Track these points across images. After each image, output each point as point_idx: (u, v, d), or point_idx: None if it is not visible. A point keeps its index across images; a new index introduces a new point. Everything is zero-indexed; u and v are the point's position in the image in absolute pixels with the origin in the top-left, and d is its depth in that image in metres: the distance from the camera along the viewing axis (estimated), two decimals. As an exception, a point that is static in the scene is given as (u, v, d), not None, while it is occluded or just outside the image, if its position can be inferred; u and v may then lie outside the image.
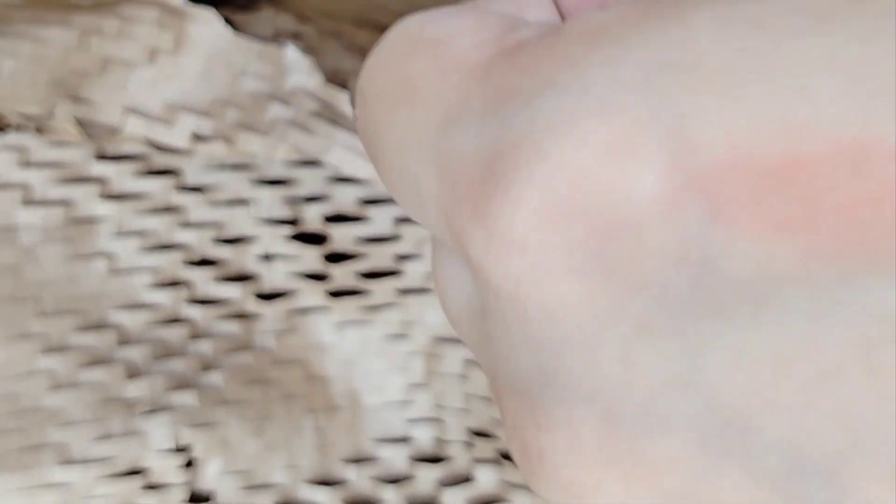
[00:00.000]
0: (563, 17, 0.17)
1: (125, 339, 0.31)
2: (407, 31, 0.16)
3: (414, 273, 0.31)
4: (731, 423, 0.13)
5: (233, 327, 0.31)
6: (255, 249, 0.31)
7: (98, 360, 0.30)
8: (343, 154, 0.31)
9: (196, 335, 0.31)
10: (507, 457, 0.31)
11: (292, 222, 0.32)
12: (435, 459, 0.32)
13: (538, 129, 0.13)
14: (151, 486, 0.30)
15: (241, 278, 0.31)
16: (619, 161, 0.13)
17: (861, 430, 0.12)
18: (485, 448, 0.31)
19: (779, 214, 0.12)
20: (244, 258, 0.31)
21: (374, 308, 0.32)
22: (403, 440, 0.32)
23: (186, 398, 0.30)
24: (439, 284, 0.17)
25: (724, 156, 0.12)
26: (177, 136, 0.30)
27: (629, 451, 0.14)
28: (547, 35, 0.14)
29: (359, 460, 0.31)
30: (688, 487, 0.14)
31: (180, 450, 0.30)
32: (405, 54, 0.15)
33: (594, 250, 0.13)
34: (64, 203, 0.30)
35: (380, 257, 0.31)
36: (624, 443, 0.14)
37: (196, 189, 0.31)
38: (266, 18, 0.33)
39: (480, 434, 0.31)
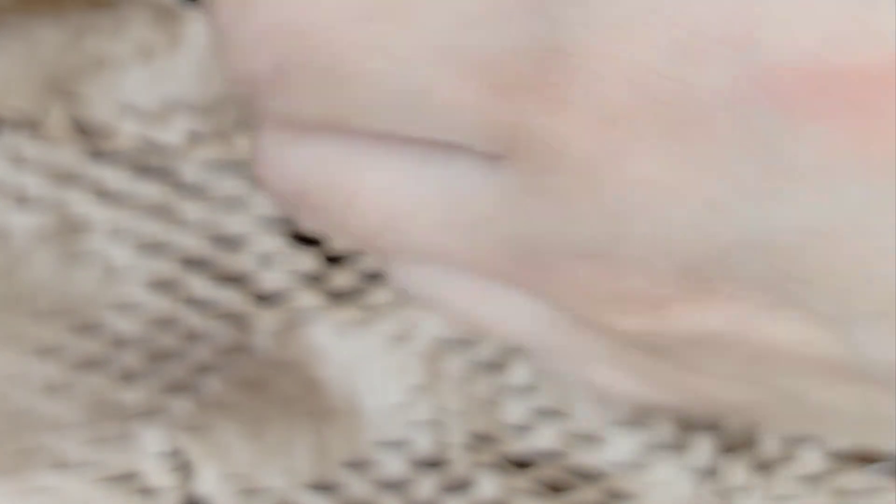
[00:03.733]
0: None
1: (120, 342, 0.30)
2: None
3: (413, 274, 0.31)
4: (791, 278, 0.16)
5: (229, 330, 0.31)
6: (252, 250, 0.31)
7: (92, 363, 0.30)
8: (340, 152, 0.31)
9: (192, 337, 0.31)
10: (509, 461, 0.31)
11: (290, 222, 0.32)
12: (435, 464, 0.31)
13: (602, 28, 0.15)
14: (146, 491, 0.30)
15: (238, 280, 0.31)
16: (690, 60, 0.14)
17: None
18: (486, 452, 0.31)
19: (842, 114, 0.14)
20: (241, 259, 0.31)
21: (374, 310, 0.31)
22: (403, 444, 0.31)
23: (182, 402, 0.30)
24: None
25: (791, 59, 0.14)
26: (172, 134, 0.31)
27: (704, 290, 0.16)
28: None
29: (358, 464, 0.31)
30: (746, 323, 0.17)
31: (175, 454, 0.30)
32: None
33: (673, 134, 0.15)
34: (57, 203, 0.30)
35: (379, 259, 0.31)
36: (701, 284, 0.16)
37: (192, 189, 0.31)
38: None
39: (482, 438, 0.31)
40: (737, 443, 0.31)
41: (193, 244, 0.31)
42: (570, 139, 0.16)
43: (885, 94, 0.14)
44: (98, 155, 0.31)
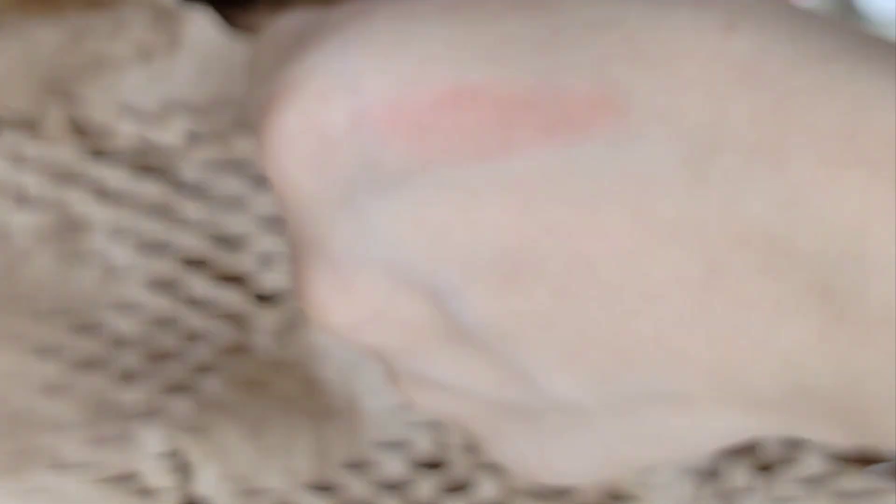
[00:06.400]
0: None
1: (119, 342, 0.30)
2: (277, 24, 0.23)
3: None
4: (395, 257, 0.20)
5: (229, 330, 0.31)
6: (253, 250, 0.31)
7: (92, 363, 0.30)
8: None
9: (192, 338, 0.31)
10: (508, 462, 0.31)
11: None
12: (434, 465, 0.31)
13: (283, 87, 0.20)
14: (145, 491, 0.30)
15: (238, 280, 0.31)
16: (322, 105, 0.20)
17: (465, 260, 0.20)
18: (485, 453, 0.31)
19: (409, 129, 0.20)
20: (241, 259, 0.31)
21: (373, 310, 0.31)
22: (402, 445, 0.31)
23: (182, 402, 0.30)
24: None
25: (376, 96, 0.20)
26: (171, 135, 0.30)
27: (344, 282, 0.21)
28: (318, 24, 0.22)
29: (357, 465, 0.31)
30: (379, 303, 0.21)
31: (175, 454, 0.30)
32: (264, 38, 0.23)
33: (314, 158, 0.20)
34: (57, 203, 0.30)
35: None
36: (343, 276, 0.20)
37: (191, 189, 0.31)
38: (261, 17, 0.33)
39: (481, 439, 0.31)
40: (738, 445, 0.31)
41: (193, 244, 0.31)
42: (266, 161, 0.21)
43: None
44: (97, 155, 0.31)
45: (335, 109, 0.20)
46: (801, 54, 0.19)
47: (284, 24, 0.23)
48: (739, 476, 0.31)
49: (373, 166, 0.20)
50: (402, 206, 0.20)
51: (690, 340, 0.19)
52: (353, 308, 0.21)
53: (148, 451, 0.30)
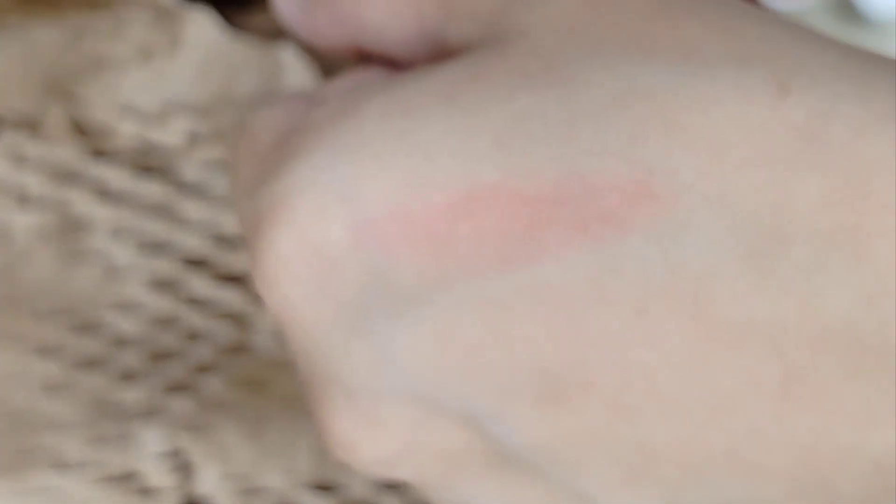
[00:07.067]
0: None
1: (120, 341, 0.31)
2: (250, 121, 0.20)
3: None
4: (422, 384, 0.18)
5: (230, 329, 0.31)
6: (253, 251, 0.31)
7: (92, 363, 0.30)
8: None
9: (192, 337, 0.31)
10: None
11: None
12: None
13: (272, 204, 0.18)
14: (145, 491, 0.30)
15: (238, 279, 0.31)
16: (318, 221, 0.18)
17: (503, 382, 0.18)
18: None
19: (421, 240, 0.17)
20: (241, 259, 0.31)
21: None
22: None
23: (182, 401, 0.30)
24: None
25: (378, 205, 0.18)
26: (171, 135, 0.31)
27: (367, 416, 0.19)
28: (298, 126, 0.20)
29: (357, 465, 0.31)
30: (409, 435, 0.19)
31: (176, 454, 0.30)
32: (238, 138, 0.20)
33: (317, 282, 0.18)
34: (59, 203, 0.31)
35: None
36: (366, 410, 0.19)
37: (192, 188, 0.31)
38: (261, 18, 0.33)
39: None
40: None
41: (194, 244, 0.31)
42: (263, 293, 0.19)
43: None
44: (98, 155, 0.31)
45: (332, 225, 0.18)
46: (870, 114, 0.16)
47: (261, 122, 0.20)
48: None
49: (384, 285, 0.18)
50: (424, 328, 0.18)
51: (768, 451, 0.17)
52: (382, 443, 0.19)
53: (148, 451, 0.30)
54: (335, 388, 0.19)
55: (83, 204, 0.31)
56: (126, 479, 0.30)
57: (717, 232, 0.16)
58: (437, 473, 0.19)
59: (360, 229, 0.18)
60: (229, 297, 0.31)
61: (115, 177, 0.31)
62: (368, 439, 0.19)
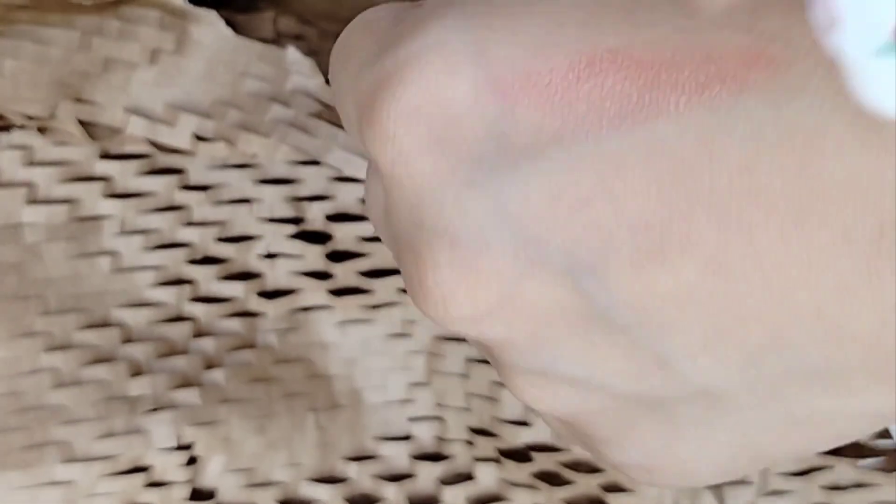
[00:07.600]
0: None
1: (128, 337, 0.31)
2: (361, 17, 0.22)
3: (415, 272, 0.32)
4: (528, 237, 0.19)
5: (235, 325, 0.31)
6: (258, 248, 0.32)
7: (101, 358, 0.31)
8: (344, 155, 0.31)
9: (199, 333, 0.31)
10: (507, 455, 0.31)
11: (295, 221, 0.32)
12: (436, 457, 0.32)
13: (399, 64, 0.19)
14: (153, 484, 0.30)
15: (244, 276, 0.32)
16: (448, 78, 0.19)
17: (606, 237, 0.18)
18: (485, 446, 0.31)
19: (542, 97, 0.18)
20: (247, 256, 0.32)
21: (376, 307, 0.32)
22: (404, 438, 0.32)
23: (189, 396, 0.31)
24: (367, 198, 0.22)
25: (505, 66, 0.19)
26: (178, 136, 0.31)
27: (469, 266, 0.19)
28: (417, 7, 0.20)
29: (360, 458, 0.32)
30: (507, 289, 0.19)
31: (182, 448, 0.31)
32: (350, 31, 0.21)
33: (436, 137, 0.19)
34: (68, 201, 0.31)
35: (382, 256, 0.32)
36: (468, 262, 0.19)
37: (199, 188, 0.31)
38: (267, 20, 0.33)
39: (481, 432, 0.32)
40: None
41: (200, 242, 0.31)
42: (380, 150, 0.20)
43: None
44: (107, 155, 0.31)
45: (461, 82, 0.19)
46: None
47: (372, 14, 0.21)
48: (733, 469, 0.31)
49: (501, 141, 0.19)
50: (536, 181, 0.18)
51: (853, 311, 0.17)
52: (480, 296, 0.19)
53: (157, 445, 0.30)
54: (439, 242, 0.19)
55: (92, 202, 0.31)
56: (136, 473, 0.30)
57: (829, 96, 0.17)
58: (526, 333, 0.20)
59: (485, 87, 0.19)
60: (235, 293, 0.31)
61: (124, 175, 0.31)
62: (466, 292, 0.19)
